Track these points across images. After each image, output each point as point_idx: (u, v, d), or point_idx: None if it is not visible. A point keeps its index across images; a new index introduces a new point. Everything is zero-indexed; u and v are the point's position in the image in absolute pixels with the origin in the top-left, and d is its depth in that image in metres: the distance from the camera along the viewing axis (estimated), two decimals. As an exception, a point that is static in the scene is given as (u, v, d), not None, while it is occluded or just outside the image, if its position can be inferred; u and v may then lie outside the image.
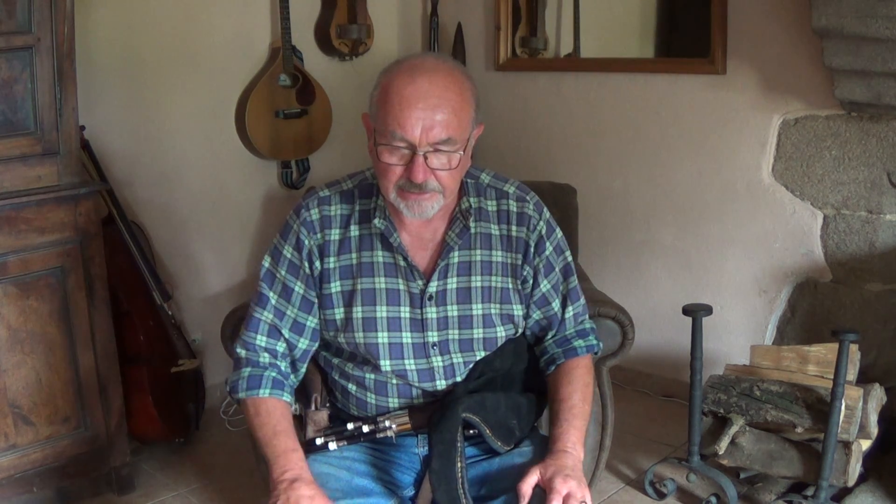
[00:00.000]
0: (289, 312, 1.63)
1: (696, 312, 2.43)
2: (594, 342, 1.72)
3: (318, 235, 1.62)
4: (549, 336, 1.70)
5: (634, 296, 3.21)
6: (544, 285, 1.67)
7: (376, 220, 1.59)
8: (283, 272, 1.63)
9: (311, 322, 1.64)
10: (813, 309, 2.87)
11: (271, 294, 1.63)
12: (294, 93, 3.27)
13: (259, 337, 1.63)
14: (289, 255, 1.63)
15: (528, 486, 1.45)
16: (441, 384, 1.63)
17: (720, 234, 3.05)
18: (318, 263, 1.62)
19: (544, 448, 1.56)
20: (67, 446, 2.45)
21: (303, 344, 1.65)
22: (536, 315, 1.69)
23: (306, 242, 1.62)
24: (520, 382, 1.70)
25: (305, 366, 1.69)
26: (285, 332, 1.63)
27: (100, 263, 2.47)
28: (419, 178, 1.48)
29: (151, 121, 3.00)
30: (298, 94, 3.28)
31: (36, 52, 2.24)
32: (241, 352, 1.63)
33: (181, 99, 3.07)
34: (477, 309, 1.63)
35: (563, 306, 1.70)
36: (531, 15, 3.50)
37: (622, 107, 3.22)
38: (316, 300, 1.64)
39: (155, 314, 2.82)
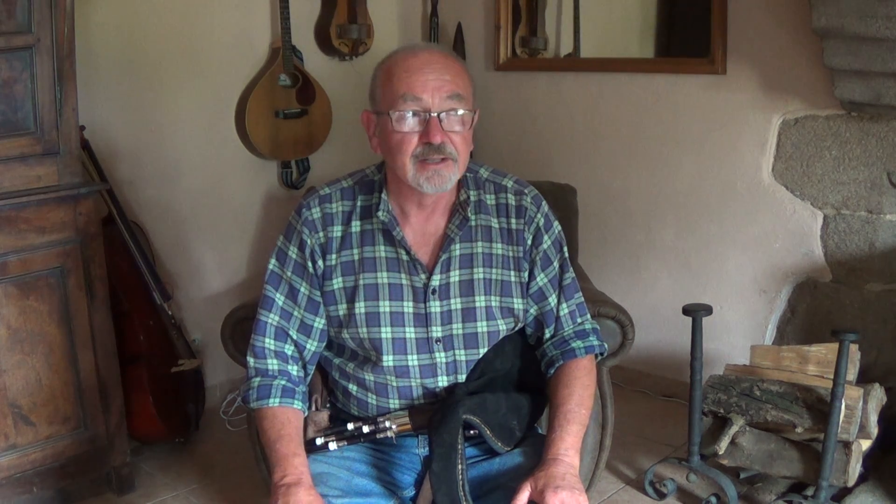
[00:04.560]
0: (295, 313, 1.63)
1: (696, 312, 2.43)
2: (595, 343, 1.69)
3: (320, 234, 1.62)
4: (547, 337, 1.69)
5: (634, 296, 3.20)
6: (541, 279, 1.67)
7: (380, 213, 1.59)
8: (289, 273, 1.63)
9: (318, 323, 1.64)
10: (813, 309, 2.86)
11: (277, 296, 1.63)
12: (294, 93, 3.27)
13: (267, 340, 1.62)
14: (294, 256, 1.63)
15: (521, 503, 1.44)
16: (442, 381, 1.63)
17: (720, 234, 3.05)
18: (320, 262, 1.62)
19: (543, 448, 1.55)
20: (67, 446, 2.45)
21: (311, 345, 1.65)
22: (533, 310, 1.68)
23: (308, 241, 1.62)
24: (520, 383, 1.69)
25: (313, 367, 1.69)
26: (293, 334, 1.63)
27: (100, 263, 2.47)
28: (437, 139, 1.50)
29: (151, 120, 3.00)
30: (298, 94, 3.28)
31: (36, 52, 2.24)
32: (251, 360, 1.63)
33: (181, 99, 3.07)
34: (480, 301, 1.63)
35: (559, 302, 1.69)
36: (531, 15, 3.50)
37: (622, 107, 3.22)
38: (321, 300, 1.63)
39: (155, 314, 2.82)
